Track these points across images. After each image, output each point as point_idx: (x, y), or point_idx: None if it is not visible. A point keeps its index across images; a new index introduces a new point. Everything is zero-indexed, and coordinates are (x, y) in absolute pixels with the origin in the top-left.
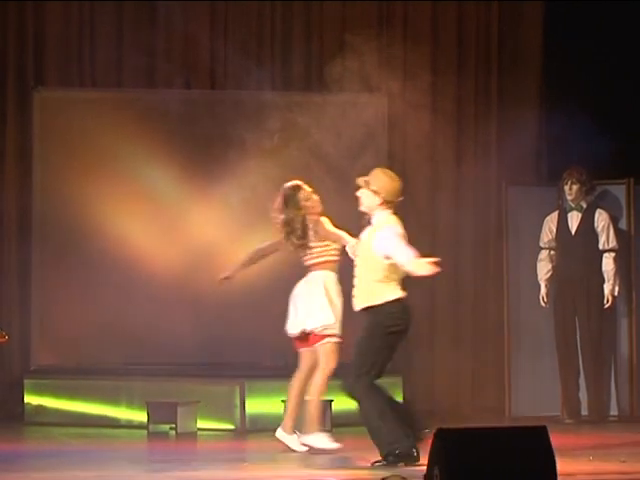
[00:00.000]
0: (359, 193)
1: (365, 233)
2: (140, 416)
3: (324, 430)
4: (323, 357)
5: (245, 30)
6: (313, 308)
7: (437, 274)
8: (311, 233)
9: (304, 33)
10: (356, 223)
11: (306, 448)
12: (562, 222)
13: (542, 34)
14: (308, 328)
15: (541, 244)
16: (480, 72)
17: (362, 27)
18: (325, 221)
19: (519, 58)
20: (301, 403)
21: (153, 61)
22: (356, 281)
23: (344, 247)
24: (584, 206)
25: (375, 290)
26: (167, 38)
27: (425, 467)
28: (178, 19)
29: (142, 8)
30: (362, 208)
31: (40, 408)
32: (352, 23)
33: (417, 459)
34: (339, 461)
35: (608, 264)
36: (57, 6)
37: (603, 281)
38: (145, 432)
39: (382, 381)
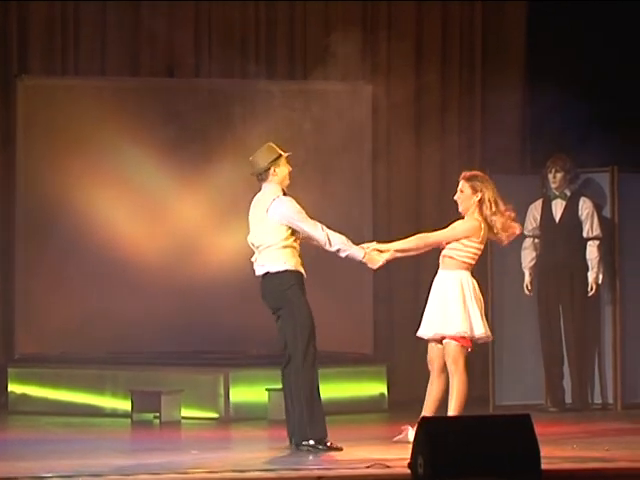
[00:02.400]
0: None
1: None
2: (124, 405)
3: None
4: None
5: (229, 18)
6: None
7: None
8: None
9: (288, 23)
10: (337, 210)
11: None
12: (546, 210)
13: (525, 23)
14: None
15: (525, 232)
16: (464, 62)
17: (346, 14)
18: None
19: (503, 47)
20: None
21: (136, 49)
22: None
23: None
24: (568, 194)
25: None
26: (151, 26)
27: (409, 456)
28: (163, 7)
29: None
30: None
31: (24, 397)
32: (336, 14)
33: None
34: (321, 450)
35: (592, 252)
36: None
37: (587, 269)
38: (129, 421)
39: (366, 370)
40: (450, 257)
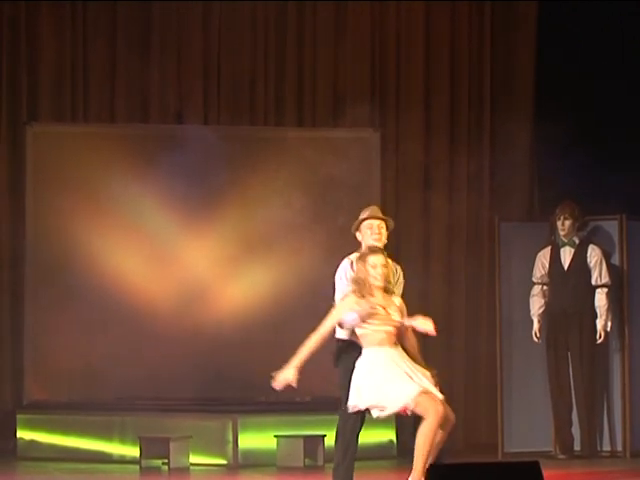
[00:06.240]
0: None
1: None
2: (133, 451)
3: None
4: None
5: (238, 66)
6: None
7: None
8: None
9: (297, 69)
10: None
11: None
12: (555, 257)
13: (534, 67)
14: None
15: (534, 279)
16: (472, 109)
17: (355, 62)
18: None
19: (511, 93)
20: None
21: (146, 96)
22: None
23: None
24: (577, 241)
25: None
26: (160, 73)
27: None
28: (171, 54)
29: (135, 43)
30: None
31: (33, 443)
32: (345, 61)
33: None
34: None
35: (601, 299)
36: (50, 41)
37: (596, 316)
38: (138, 467)
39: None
40: None
